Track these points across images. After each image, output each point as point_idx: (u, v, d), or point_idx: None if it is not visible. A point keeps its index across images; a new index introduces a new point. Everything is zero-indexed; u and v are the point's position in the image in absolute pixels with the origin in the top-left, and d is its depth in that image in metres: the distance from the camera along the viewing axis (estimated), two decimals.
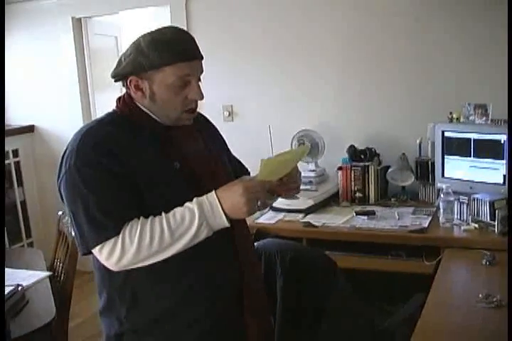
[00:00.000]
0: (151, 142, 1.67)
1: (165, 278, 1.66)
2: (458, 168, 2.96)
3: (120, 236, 1.54)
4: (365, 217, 2.97)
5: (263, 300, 1.86)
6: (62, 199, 1.63)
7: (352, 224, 2.90)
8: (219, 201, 1.57)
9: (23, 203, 4.61)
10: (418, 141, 3.22)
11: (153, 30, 1.68)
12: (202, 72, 1.71)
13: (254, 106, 3.77)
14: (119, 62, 1.68)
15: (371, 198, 3.28)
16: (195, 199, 1.58)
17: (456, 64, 3.23)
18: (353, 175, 3.29)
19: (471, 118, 2.94)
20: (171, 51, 1.61)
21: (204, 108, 3.83)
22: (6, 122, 4.65)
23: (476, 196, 2.74)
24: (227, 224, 1.58)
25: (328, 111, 3.57)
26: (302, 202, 3.11)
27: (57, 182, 1.64)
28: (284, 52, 3.62)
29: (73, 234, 1.62)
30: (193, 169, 1.70)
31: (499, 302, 1.97)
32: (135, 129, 1.67)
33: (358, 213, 3.03)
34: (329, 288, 2.03)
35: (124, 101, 1.72)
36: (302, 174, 3.24)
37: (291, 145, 3.42)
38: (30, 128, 4.55)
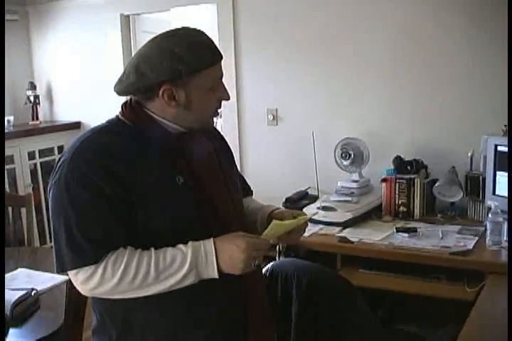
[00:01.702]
0: (155, 154, 1.54)
1: (159, 302, 1.53)
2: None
3: (102, 265, 1.43)
4: (406, 235, 2.75)
5: (268, 321, 1.74)
6: (48, 208, 1.52)
7: (390, 242, 2.70)
8: (216, 251, 1.45)
9: None
10: (470, 154, 2.97)
11: (168, 34, 1.55)
12: None
13: (298, 111, 3.59)
14: (141, 74, 1.50)
15: (416, 213, 3.06)
16: (190, 243, 1.47)
17: None
18: (397, 188, 3.08)
19: None
20: (209, 53, 1.52)
21: (248, 111, 3.76)
22: (54, 118, 4.68)
23: None
24: (216, 276, 1.47)
25: (374, 118, 3.36)
26: (340, 214, 2.94)
27: (48, 190, 1.53)
28: (332, 54, 3.43)
29: (53, 248, 1.51)
30: (200, 182, 1.57)
31: None
32: (139, 139, 1.54)
33: (398, 230, 2.81)
34: (346, 314, 1.87)
35: (131, 108, 1.59)
36: (344, 184, 3.17)
37: (335, 152, 3.24)
38: (76, 125, 4.53)
